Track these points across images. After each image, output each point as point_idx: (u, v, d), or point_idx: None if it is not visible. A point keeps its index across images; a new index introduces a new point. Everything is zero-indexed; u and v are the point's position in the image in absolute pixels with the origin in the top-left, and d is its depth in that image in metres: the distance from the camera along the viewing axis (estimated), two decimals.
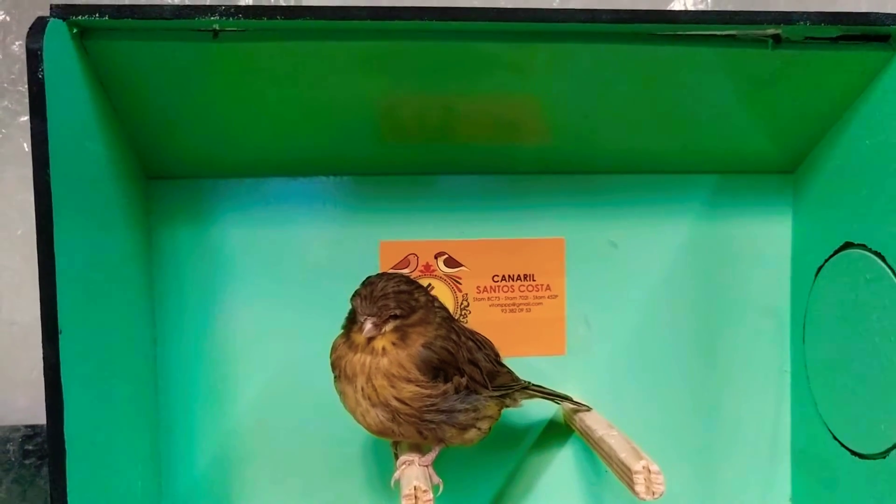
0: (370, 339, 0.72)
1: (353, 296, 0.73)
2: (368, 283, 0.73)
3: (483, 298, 0.93)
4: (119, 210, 0.80)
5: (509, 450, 0.95)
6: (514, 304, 0.93)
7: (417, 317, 0.73)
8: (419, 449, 0.78)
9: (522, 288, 0.93)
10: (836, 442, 0.88)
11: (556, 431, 0.95)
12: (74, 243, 0.68)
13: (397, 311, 0.71)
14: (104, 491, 0.72)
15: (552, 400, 0.88)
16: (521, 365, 0.91)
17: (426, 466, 0.75)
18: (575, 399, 0.90)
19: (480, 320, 0.93)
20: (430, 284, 0.92)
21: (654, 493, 0.70)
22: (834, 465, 0.88)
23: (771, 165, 0.95)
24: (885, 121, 0.80)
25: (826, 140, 0.89)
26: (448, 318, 0.76)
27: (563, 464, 0.95)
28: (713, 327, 0.96)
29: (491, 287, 0.93)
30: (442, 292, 0.92)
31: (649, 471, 0.70)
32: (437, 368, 0.72)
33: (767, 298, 0.97)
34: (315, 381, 0.84)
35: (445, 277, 0.92)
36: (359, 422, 0.74)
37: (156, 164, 0.86)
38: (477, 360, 0.76)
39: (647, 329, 0.95)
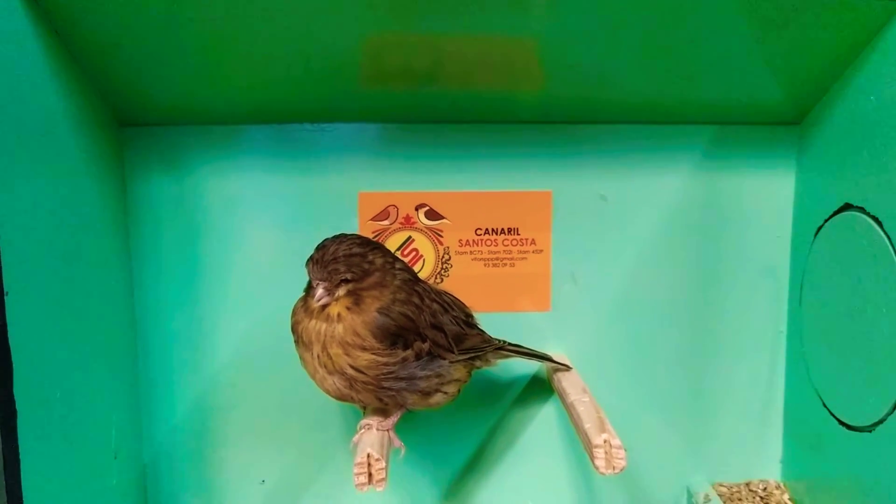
0: (324, 306, 0.69)
1: (308, 260, 0.71)
2: (321, 246, 0.71)
3: (465, 252, 0.90)
4: (88, 159, 0.79)
5: (492, 405, 0.93)
6: (497, 259, 0.90)
7: (372, 280, 0.70)
8: (385, 412, 0.76)
9: (506, 242, 0.90)
10: (826, 410, 0.84)
11: (540, 387, 0.93)
12: (25, 201, 0.66)
13: (348, 276, 0.69)
14: (66, 444, 0.73)
15: (529, 359, 0.86)
16: (503, 321, 0.90)
17: (386, 431, 0.73)
18: (555, 358, 0.88)
19: (462, 275, 0.90)
20: (410, 237, 0.90)
21: (614, 468, 0.68)
22: (823, 434, 0.85)
23: (776, 116, 0.89)
24: (890, 75, 0.73)
25: (833, 91, 0.83)
26: (410, 280, 0.73)
27: (545, 420, 0.94)
28: (707, 285, 0.92)
29: (474, 241, 0.90)
30: (423, 245, 0.90)
31: (611, 445, 0.68)
32: (395, 335, 0.70)
33: (766, 257, 0.92)
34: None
35: (426, 230, 0.90)
36: (318, 387, 0.73)
37: (127, 110, 0.84)
38: (441, 324, 0.74)
39: (636, 287, 0.92)
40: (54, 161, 0.72)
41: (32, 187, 0.68)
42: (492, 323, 0.86)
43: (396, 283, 0.71)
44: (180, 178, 0.88)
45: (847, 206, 0.80)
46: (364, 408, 0.79)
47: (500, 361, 0.84)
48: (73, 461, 0.74)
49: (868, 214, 0.76)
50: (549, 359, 0.87)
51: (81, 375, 0.76)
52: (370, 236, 0.89)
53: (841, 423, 0.81)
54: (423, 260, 0.90)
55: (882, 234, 0.74)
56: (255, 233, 0.89)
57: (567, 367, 0.88)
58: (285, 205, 0.88)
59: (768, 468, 0.96)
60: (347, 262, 0.69)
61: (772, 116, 0.89)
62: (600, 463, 0.68)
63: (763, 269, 0.92)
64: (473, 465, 0.94)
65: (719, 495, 0.91)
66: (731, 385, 0.94)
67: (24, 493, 0.64)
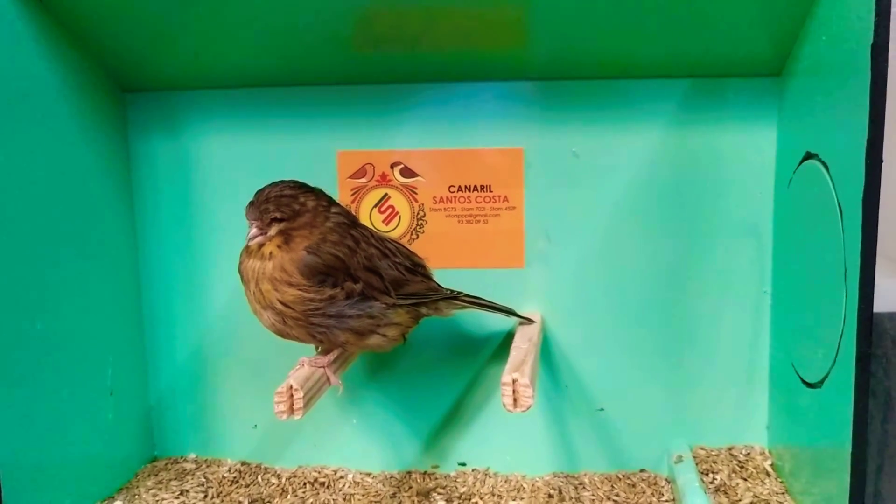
0: (260, 246, 0.74)
1: (247, 204, 0.76)
2: (259, 190, 0.75)
3: (439, 209, 0.93)
4: (91, 122, 0.88)
5: (468, 359, 0.95)
6: (470, 216, 0.92)
7: (303, 220, 0.74)
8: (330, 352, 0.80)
9: (479, 199, 0.92)
10: (793, 369, 0.81)
11: None
12: (30, 160, 0.77)
13: (277, 215, 0.73)
14: (51, 377, 0.81)
15: (492, 312, 0.87)
16: (478, 277, 0.92)
17: (321, 368, 0.77)
18: (519, 312, 0.88)
19: (437, 231, 0.93)
20: (386, 195, 0.93)
21: (522, 406, 0.69)
22: (792, 393, 0.82)
23: (755, 67, 0.86)
24: (838, 15, 0.70)
25: (803, 34, 0.79)
26: (346, 224, 0.77)
27: None
28: (686, 244, 0.90)
29: (447, 198, 0.92)
30: (398, 202, 0.93)
31: (518, 383, 0.69)
32: (324, 273, 0.74)
33: (748, 215, 0.89)
34: None
35: (401, 187, 0.93)
36: (259, 322, 0.78)
37: (128, 77, 0.92)
38: (377, 268, 0.77)
39: (611, 244, 0.91)
40: (56, 125, 0.82)
41: (36, 147, 0.78)
42: (466, 279, 0.89)
43: (329, 224, 0.75)
44: (180, 140, 0.95)
45: (808, 155, 0.77)
46: (317, 347, 0.83)
47: (458, 312, 0.86)
48: (60, 393, 0.83)
49: (820, 161, 0.73)
50: (511, 311, 0.87)
51: (75, 319, 0.85)
52: (349, 193, 0.93)
53: (801, 380, 0.78)
54: (399, 216, 0.93)
55: (829, 180, 0.71)
56: (248, 190, 0.93)
57: (530, 321, 0.88)
58: (274, 163, 0.92)
59: (756, 434, 0.92)
60: (277, 202, 0.74)
61: (750, 68, 0.86)
62: (506, 401, 0.69)
63: (745, 228, 0.89)
64: (452, 419, 0.96)
65: (695, 457, 0.89)
66: (714, 347, 0.91)
67: None
